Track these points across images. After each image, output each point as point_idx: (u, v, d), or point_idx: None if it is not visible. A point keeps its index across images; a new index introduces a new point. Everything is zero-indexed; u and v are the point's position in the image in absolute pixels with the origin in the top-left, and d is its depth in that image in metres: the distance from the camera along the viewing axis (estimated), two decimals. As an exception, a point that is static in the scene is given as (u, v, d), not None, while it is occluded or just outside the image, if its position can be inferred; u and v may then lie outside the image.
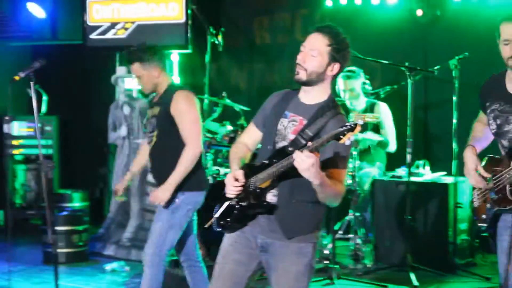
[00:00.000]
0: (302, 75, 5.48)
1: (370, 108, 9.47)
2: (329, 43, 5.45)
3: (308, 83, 5.51)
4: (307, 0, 11.10)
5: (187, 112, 7.20)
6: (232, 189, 5.59)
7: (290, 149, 5.38)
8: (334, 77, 5.60)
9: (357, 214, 9.22)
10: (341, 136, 4.98)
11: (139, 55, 7.30)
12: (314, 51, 5.44)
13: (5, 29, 12.44)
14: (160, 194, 6.95)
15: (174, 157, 7.09)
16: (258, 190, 5.61)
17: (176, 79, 11.59)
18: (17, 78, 6.66)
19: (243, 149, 5.96)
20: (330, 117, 5.48)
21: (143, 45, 7.44)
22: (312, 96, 5.58)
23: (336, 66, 5.46)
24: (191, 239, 7.48)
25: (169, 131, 7.17)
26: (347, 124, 4.97)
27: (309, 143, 5.17)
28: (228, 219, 5.76)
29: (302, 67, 5.46)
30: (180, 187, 7.07)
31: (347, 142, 5.06)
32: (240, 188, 5.59)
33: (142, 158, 7.73)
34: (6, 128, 11.03)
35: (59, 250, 10.22)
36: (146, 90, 7.45)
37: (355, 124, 4.91)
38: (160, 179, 7.22)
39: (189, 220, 7.35)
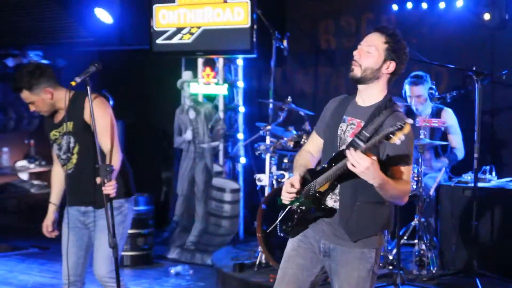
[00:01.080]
0: (356, 71, 5.48)
1: (437, 114, 9.35)
2: (386, 40, 5.47)
3: (362, 80, 5.51)
4: (373, 4, 11.02)
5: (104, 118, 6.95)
6: (286, 195, 5.61)
7: (345, 150, 5.31)
8: (390, 77, 5.57)
9: (422, 219, 9.05)
10: (391, 136, 4.97)
11: (25, 82, 6.88)
12: (371, 48, 5.46)
13: (73, 34, 12.53)
14: None
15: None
16: (317, 194, 5.59)
17: (241, 84, 11.60)
18: (73, 83, 6.58)
19: (306, 157, 5.94)
20: (386, 115, 5.46)
21: (26, 70, 6.97)
22: (368, 96, 5.57)
23: (392, 65, 5.46)
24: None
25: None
26: (397, 123, 4.95)
27: (364, 144, 5.20)
28: (290, 224, 5.75)
29: (357, 63, 5.48)
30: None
31: (398, 142, 5.01)
32: (294, 195, 5.60)
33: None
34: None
35: (124, 253, 10.31)
36: (44, 113, 7.07)
37: (404, 123, 4.90)
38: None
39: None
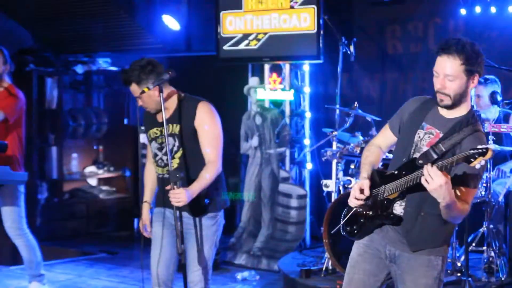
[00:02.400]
0: (447, 101, 5.42)
1: (505, 119, 9.26)
2: (462, 62, 5.36)
3: (454, 105, 5.44)
4: (440, 8, 10.97)
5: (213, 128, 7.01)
6: (353, 201, 5.59)
7: (420, 161, 5.34)
8: (472, 85, 5.51)
9: (491, 226, 8.98)
10: (472, 160, 4.93)
11: (135, 75, 6.95)
12: (450, 76, 5.36)
13: (141, 41, 12.65)
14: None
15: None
16: (385, 201, 5.59)
17: (307, 89, 11.58)
18: (146, 89, 6.58)
19: (376, 152, 5.94)
20: (467, 133, 5.40)
21: (138, 64, 7.03)
22: (452, 106, 5.48)
23: (476, 78, 5.41)
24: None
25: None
26: (479, 147, 4.90)
27: (439, 161, 5.17)
28: (354, 226, 5.80)
29: (444, 94, 5.40)
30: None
31: (477, 166, 4.97)
32: (362, 202, 5.58)
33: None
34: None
35: None
36: (151, 111, 7.10)
37: (487, 149, 4.85)
38: None
39: None
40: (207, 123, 6.84)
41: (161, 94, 6.67)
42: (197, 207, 6.93)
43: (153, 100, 6.81)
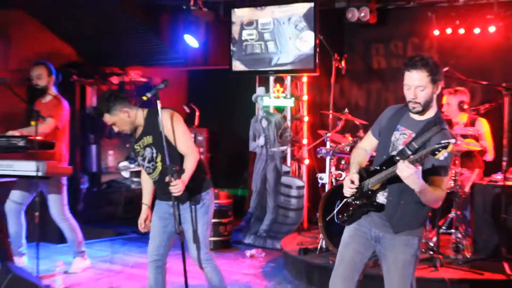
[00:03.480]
0: (418, 108, 5.58)
1: (471, 123, 9.26)
2: (428, 73, 5.51)
3: (424, 110, 5.60)
4: (417, 30, 11.03)
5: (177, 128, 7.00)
6: (348, 190, 5.70)
7: (397, 158, 5.50)
8: (438, 94, 5.64)
9: (459, 212, 9.04)
10: (437, 152, 5.09)
11: (104, 107, 6.95)
12: (420, 87, 5.52)
13: (165, 57, 12.66)
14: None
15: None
16: (369, 192, 5.73)
17: (305, 97, 11.62)
18: (144, 98, 6.64)
19: (362, 153, 6.05)
20: (435, 132, 5.54)
21: (104, 97, 7.07)
22: (423, 111, 5.62)
23: (439, 85, 5.57)
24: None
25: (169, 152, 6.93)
26: (442, 142, 5.06)
27: (411, 156, 5.31)
28: (345, 214, 5.92)
29: (416, 103, 5.56)
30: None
31: (441, 158, 5.21)
32: (354, 190, 5.70)
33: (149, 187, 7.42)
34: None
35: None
36: (126, 132, 7.08)
37: (448, 143, 5.01)
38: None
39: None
40: (170, 125, 6.86)
41: (158, 101, 6.68)
42: (182, 195, 6.93)
43: (125, 122, 6.87)
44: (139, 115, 6.95)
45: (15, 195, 9.31)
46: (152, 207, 7.18)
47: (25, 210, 9.40)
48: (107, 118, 6.90)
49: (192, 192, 7.01)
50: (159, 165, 6.94)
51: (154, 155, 6.98)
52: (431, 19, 10.69)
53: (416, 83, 5.49)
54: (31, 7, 12.30)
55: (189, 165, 6.91)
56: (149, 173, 7.07)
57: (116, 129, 6.97)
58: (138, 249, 10.97)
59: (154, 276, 7.17)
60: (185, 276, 6.81)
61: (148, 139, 6.93)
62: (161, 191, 7.05)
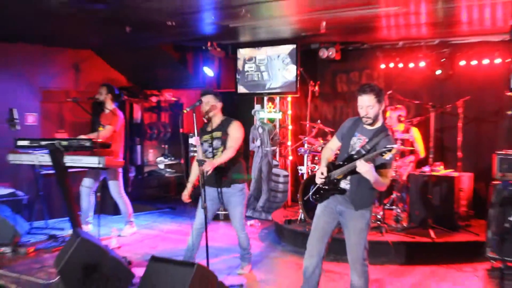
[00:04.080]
0: (369, 121, 5.68)
1: (407, 130, 9.31)
2: (374, 96, 5.63)
3: (373, 122, 5.70)
4: (369, 64, 11.05)
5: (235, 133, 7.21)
6: (319, 179, 5.81)
7: (355, 156, 5.63)
8: (383, 110, 5.73)
9: (398, 194, 9.13)
10: (384, 154, 5.27)
11: (211, 92, 7.29)
12: (369, 107, 5.62)
13: (190, 82, 12.66)
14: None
15: (232, 161, 7.11)
16: (335, 180, 5.82)
17: (289, 112, 11.62)
18: (185, 111, 6.69)
19: (329, 152, 6.08)
20: (382, 137, 5.64)
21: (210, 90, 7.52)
22: (372, 123, 5.69)
23: (383, 105, 5.72)
24: None
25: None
26: (387, 146, 5.26)
27: (365, 155, 5.49)
28: (318, 196, 5.99)
29: (368, 118, 5.66)
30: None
31: (387, 158, 5.34)
32: (324, 179, 5.78)
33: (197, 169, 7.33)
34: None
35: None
36: (203, 114, 7.27)
37: (392, 148, 5.22)
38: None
39: None
40: (233, 130, 7.09)
41: (194, 113, 6.65)
42: (225, 182, 7.14)
43: (208, 109, 7.14)
44: (217, 116, 7.24)
45: (86, 181, 9.47)
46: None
47: (94, 190, 9.52)
48: (207, 98, 7.15)
49: (235, 181, 7.19)
50: (219, 154, 7.06)
51: (219, 146, 7.12)
52: (379, 56, 10.74)
53: (366, 104, 5.58)
54: (96, 48, 12.38)
55: (224, 155, 7.00)
56: (207, 157, 7.13)
57: (204, 107, 7.16)
58: (171, 220, 11.01)
59: (196, 239, 7.18)
60: (206, 240, 6.72)
61: (218, 134, 7.13)
62: (208, 177, 7.06)
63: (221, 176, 7.14)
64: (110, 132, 9.19)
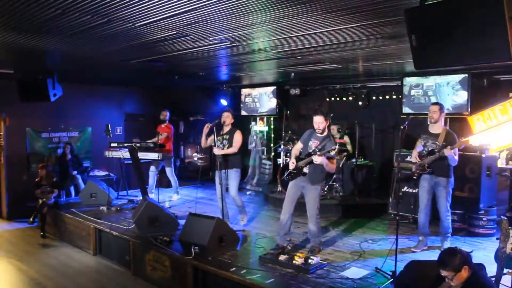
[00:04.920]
0: (320, 132, 5.61)
1: (342, 137, 9.33)
2: (323, 116, 5.63)
3: (323, 131, 5.62)
4: (320, 98, 10.95)
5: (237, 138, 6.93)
6: (290, 166, 5.75)
7: (312, 152, 5.56)
8: (328, 125, 5.72)
9: (337, 175, 9.10)
10: (330, 151, 5.31)
11: (229, 111, 7.01)
12: (320, 123, 5.57)
13: (212, 108, 12.43)
14: None
15: (233, 155, 6.86)
16: (299, 167, 5.73)
17: (272, 126, 11.63)
18: (208, 125, 6.76)
19: (296, 150, 5.94)
20: (327, 141, 5.60)
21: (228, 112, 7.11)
22: (322, 133, 5.65)
23: (328, 121, 5.66)
24: None
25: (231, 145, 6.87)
26: (332, 147, 5.29)
27: (318, 152, 5.44)
28: (289, 176, 5.88)
29: (319, 129, 5.59)
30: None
31: (332, 154, 5.35)
32: (294, 167, 5.71)
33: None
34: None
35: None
36: (225, 124, 6.98)
37: (335, 148, 5.28)
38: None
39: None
40: (236, 136, 6.91)
41: (214, 128, 6.78)
42: (228, 166, 6.79)
43: (223, 120, 6.91)
44: (229, 126, 6.97)
45: (152, 167, 9.37)
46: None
47: (156, 173, 9.40)
48: (227, 113, 6.93)
49: (233, 166, 6.89)
50: (226, 149, 6.81)
51: (226, 144, 6.88)
52: (325, 93, 10.73)
53: (318, 121, 5.61)
54: (158, 87, 12.41)
55: (229, 150, 6.77)
56: (219, 147, 6.80)
57: (223, 119, 6.86)
58: (201, 191, 10.87)
59: (220, 203, 6.96)
60: (222, 204, 6.81)
61: (226, 137, 6.90)
62: (220, 164, 6.80)
63: (226, 163, 6.87)
64: (166, 137, 9.34)
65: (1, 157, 10.13)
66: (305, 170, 5.75)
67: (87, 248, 7.59)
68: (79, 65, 7.90)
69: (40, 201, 8.59)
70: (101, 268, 6.83)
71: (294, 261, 5.34)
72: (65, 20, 4.68)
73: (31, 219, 8.43)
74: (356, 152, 9.07)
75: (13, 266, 6.88)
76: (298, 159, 5.82)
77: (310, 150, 5.70)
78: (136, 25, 4.88)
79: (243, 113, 11.86)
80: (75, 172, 10.10)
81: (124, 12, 4.43)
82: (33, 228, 8.90)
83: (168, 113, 9.67)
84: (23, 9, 4.35)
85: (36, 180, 8.98)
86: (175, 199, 9.72)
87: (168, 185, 10.46)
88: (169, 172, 9.58)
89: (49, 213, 8.63)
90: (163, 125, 9.58)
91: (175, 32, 5.20)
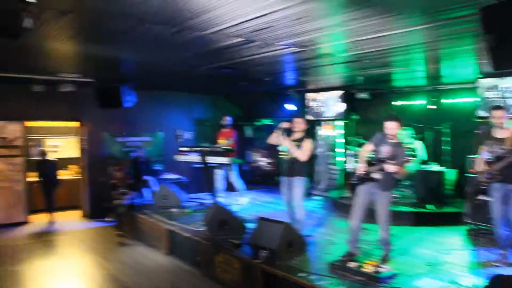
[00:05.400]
0: (392, 137, 5.37)
1: (413, 143, 8.77)
2: (396, 121, 5.38)
3: (393, 138, 5.39)
4: (386, 101, 10.45)
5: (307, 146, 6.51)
6: (361, 172, 5.57)
7: (384, 159, 5.33)
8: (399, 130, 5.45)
9: (408, 181, 8.62)
10: (403, 162, 5.10)
11: (302, 117, 6.68)
12: (393, 129, 5.35)
13: (279, 114, 12.43)
14: None
15: (300, 163, 6.49)
16: (370, 173, 5.55)
17: (339, 130, 11.32)
18: (278, 130, 6.63)
19: (366, 154, 5.69)
20: (400, 148, 5.36)
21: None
22: (393, 138, 5.38)
23: (400, 126, 5.40)
24: None
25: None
26: (406, 156, 5.12)
27: (391, 161, 5.22)
28: (359, 182, 5.70)
29: (392, 135, 5.36)
30: None
31: (406, 164, 5.14)
32: (364, 172, 5.53)
33: None
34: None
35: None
36: (298, 132, 6.61)
37: (409, 159, 5.10)
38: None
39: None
40: (306, 144, 6.56)
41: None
42: (293, 173, 6.48)
43: (295, 126, 6.52)
44: (300, 133, 6.56)
45: (219, 171, 9.34)
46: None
47: (224, 177, 9.38)
48: (299, 120, 6.55)
49: (299, 174, 6.54)
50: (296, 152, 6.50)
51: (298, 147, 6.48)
52: (394, 97, 10.29)
53: (390, 126, 5.35)
54: (224, 94, 12.65)
55: (298, 154, 6.44)
56: (285, 156, 6.60)
57: (296, 125, 6.54)
58: (268, 195, 10.76)
59: (293, 211, 6.73)
60: (288, 209, 6.77)
61: (297, 143, 6.51)
62: (287, 169, 6.57)
63: (292, 170, 6.58)
64: (232, 142, 9.44)
65: (85, 160, 10.78)
66: (377, 176, 5.51)
67: (160, 248, 7.86)
68: (151, 73, 8.25)
69: (117, 202, 9.04)
70: (173, 268, 7.05)
71: (364, 269, 5.16)
72: (140, 31, 4.91)
73: (109, 219, 8.89)
74: (428, 158, 8.68)
75: (95, 262, 7.36)
76: (369, 164, 5.61)
77: (382, 157, 5.46)
78: (205, 33, 5.02)
79: (309, 117, 11.62)
80: (147, 175, 10.50)
81: (194, 21, 4.57)
82: (111, 227, 9.44)
83: (229, 119, 9.76)
84: (103, 23, 4.62)
85: (113, 182, 9.45)
86: (242, 202, 9.78)
87: (233, 189, 10.54)
88: (234, 176, 9.65)
89: (124, 213, 9.05)
90: (226, 130, 9.66)
91: (242, 38, 5.29)
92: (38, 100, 9.89)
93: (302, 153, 6.56)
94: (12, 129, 9.92)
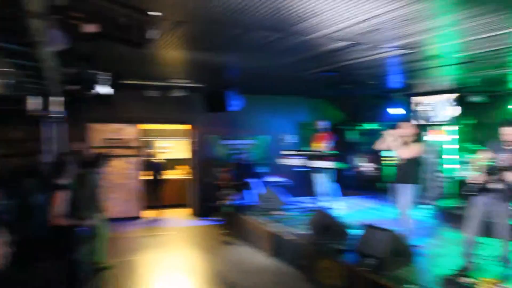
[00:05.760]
0: (510, 144, 5.05)
1: None
2: None
3: None
4: (505, 106, 9.83)
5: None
6: (479, 181, 5.25)
7: (503, 168, 5.04)
8: None
9: None
10: None
11: (408, 123, 6.40)
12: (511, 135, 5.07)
13: (381, 117, 11.98)
14: None
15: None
16: (489, 182, 5.22)
17: (449, 135, 10.78)
18: (384, 135, 6.42)
19: (484, 162, 5.31)
20: None
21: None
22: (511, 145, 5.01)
23: None
24: None
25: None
26: None
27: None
28: (475, 192, 5.39)
29: (511, 142, 5.03)
30: None
31: None
32: (483, 182, 5.19)
33: None
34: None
35: None
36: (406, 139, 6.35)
37: None
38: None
39: None
40: (415, 145, 6.34)
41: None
42: (404, 181, 6.27)
43: (404, 133, 6.31)
44: (410, 138, 6.28)
45: (321, 175, 9.11)
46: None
47: (326, 181, 9.10)
48: (407, 125, 6.37)
49: (408, 181, 6.29)
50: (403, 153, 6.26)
51: None
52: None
53: (509, 132, 5.01)
54: (327, 98, 12.58)
55: (404, 151, 6.27)
56: (395, 161, 6.36)
57: (404, 131, 6.31)
58: (371, 201, 10.49)
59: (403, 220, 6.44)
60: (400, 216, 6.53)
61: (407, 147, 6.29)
62: (399, 175, 6.31)
63: (402, 176, 6.40)
64: (330, 147, 9.23)
65: (195, 161, 11.46)
66: (495, 186, 5.17)
67: (263, 249, 8.05)
68: (255, 77, 8.51)
69: (222, 202, 9.43)
70: (276, 270, 7.18)
71: (479, 286, 4.86)
72: (246, 38, 5.09)
73: (215, 218, 9.31)
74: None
75: (202, 258, 7.80)
76: (486, 173, 5.24)
77: (501, 165, 5.09)
78: (310, 37, 5.05)
79: (415, 122, 11.11)
80: (250, 177, 10.79)
81: (298, 26, 4.62)
82: (217, 226, 9.92)
83: (323, 123, 9.60)
84: (212, 32, 4.86)
85: (219, 182, 9.88)
86: (339, 207, 9.59)
87: (331, 193, 10.41)
88: (331, 180, 9.50)
89: (230, 213, 9.41)
90: (320, 134, 9.52)
91: (348, 42, 5.24)
92: (152, 105, 10.70)
93: (409, 152, 6.32)
94: (128, 132, 10.89)
